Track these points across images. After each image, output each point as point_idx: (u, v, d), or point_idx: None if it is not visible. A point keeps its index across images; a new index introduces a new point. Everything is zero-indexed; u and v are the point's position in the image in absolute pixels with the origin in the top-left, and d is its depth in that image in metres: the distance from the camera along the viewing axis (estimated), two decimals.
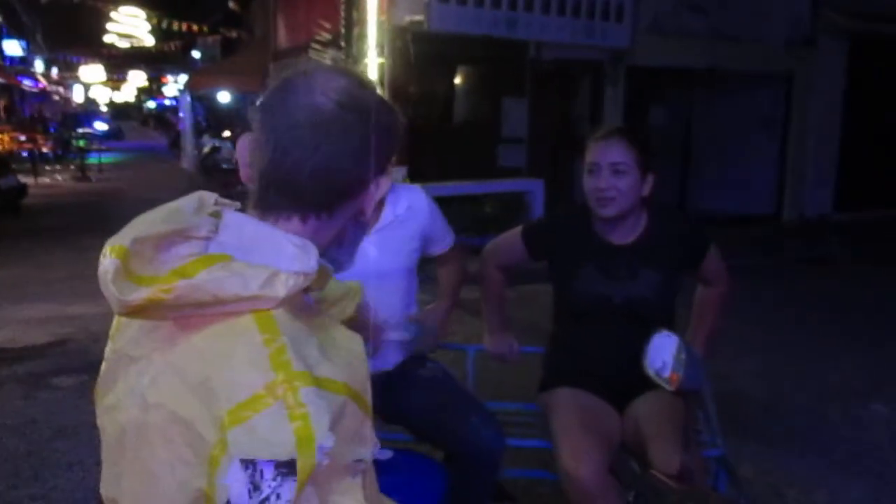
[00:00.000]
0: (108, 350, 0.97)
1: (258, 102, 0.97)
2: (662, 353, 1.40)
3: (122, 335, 0.95)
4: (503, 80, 8.91)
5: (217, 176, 14.07)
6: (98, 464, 3.10)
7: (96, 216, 11.19)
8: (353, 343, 0.91)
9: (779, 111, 10.87)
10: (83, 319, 5.74)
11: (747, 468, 3.45)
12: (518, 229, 2.38)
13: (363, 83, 0.97)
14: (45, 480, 3.32)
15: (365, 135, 0.94)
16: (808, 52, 10.49)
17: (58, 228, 10.01)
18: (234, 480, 0.75)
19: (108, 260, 0.82)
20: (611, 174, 2.09)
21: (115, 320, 0.99)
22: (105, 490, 0.94)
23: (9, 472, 3.39)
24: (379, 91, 1.01)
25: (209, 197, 0.93)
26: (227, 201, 0.94)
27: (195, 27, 17.00)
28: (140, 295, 0.80)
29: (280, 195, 0.93)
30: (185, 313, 0.84)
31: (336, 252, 0.99)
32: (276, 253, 0.87)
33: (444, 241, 2.40)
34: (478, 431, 2.04)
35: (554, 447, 2.03)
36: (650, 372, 1.42)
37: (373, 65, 6.95)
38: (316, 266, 0.88)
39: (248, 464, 0.75)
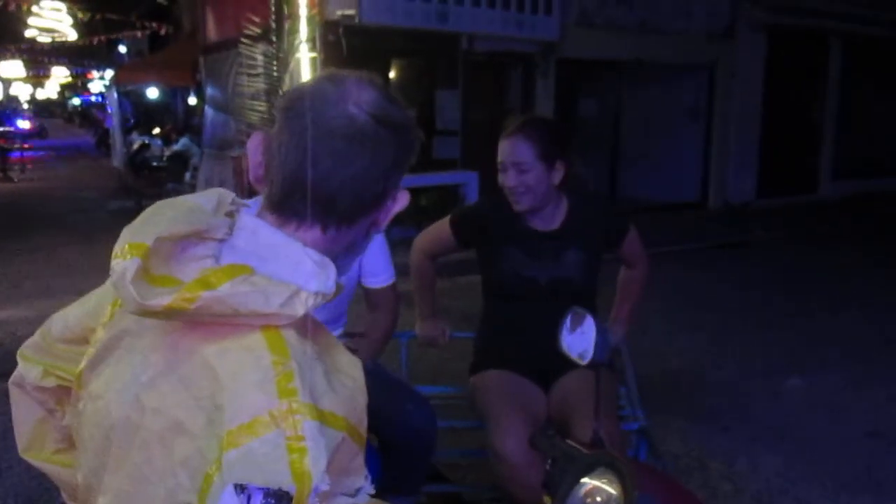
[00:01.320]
0: (97, 337, 0.96)
1: (280, 105, 0.94)
2: (573, 330, 1.48)
3: (116, 324, 0.93)
4: (436, 73, 8.96)
5: (147, 173, 13.74)
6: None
7: (19, 219, 10.80)
8: (355, 370, 0.89)
9: (703, 101, 11.23)
10: (9, 324, 5.58)
11: (674, 443, 3.60)
12: (446, 218, 2.44)
13: (390, 97, 0.96)
14: None
15: (395, 150, 0.93)
16: (728, 44, 10.88)
17: None
18: None
19: (129, 258, 0.79)
20: (517, 172, 2.19)
21: (109, 308, 0.97)
22: (82, 478, 0.92)
23: None
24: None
25: (227, 196, 0.91)
26: (241, 202, 0.92)
27: (121, 19, 16.51)
28: (161, 301, 0.78)
29: (305, 203, 0.90)
30: (199, 320, 0.82)
31: (342, 259, 0.96)
32: (294, 267, 0.85)
33: (382, 275, 2.27)
34: (410, 416, 2.10)
35: (483, 426, 2.12)
36: (563, 349, 1.51)
37: (305, 59, 6.90)
38: (334, 287, 0.87)
39: (241, 489, 0.74)
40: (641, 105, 11.11)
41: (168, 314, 0.81)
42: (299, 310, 0.83)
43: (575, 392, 2.11)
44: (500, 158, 2.23)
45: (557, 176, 2.22)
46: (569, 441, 1.26)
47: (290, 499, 0.75)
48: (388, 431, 2.08)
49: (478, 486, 2.65)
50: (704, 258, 8.23)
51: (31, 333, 1.12)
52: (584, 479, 1.21)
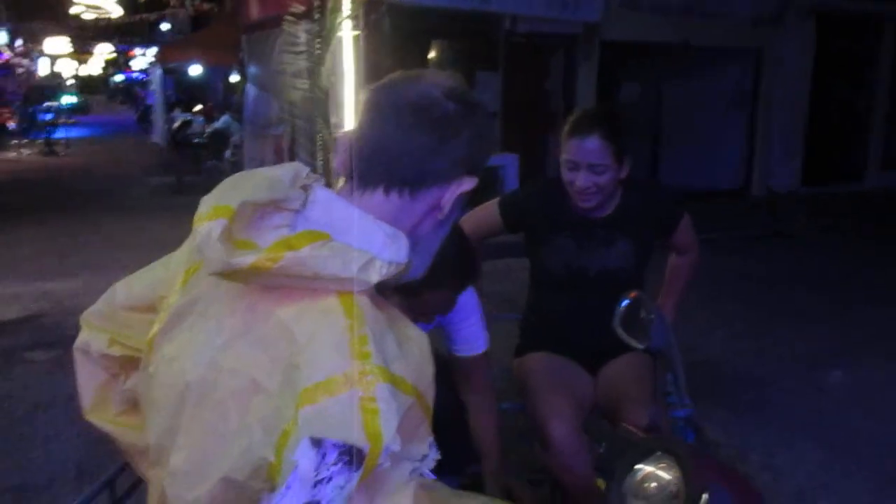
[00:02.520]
0: (171, 302, 0.99)
1: (371, 89, 1.00)
2: (630, 314, 1.46)
3: (190, 290, 0.97)
4: (477, 54, 8.90)
5: (188, 150, 13.90)
6: (78, 436, 3.10)
7: (64, 192, 11.03)
8: (422, 341, 0.92)
9: (748, 87, 10.99)
10: (55, 295, 5.70)
11: (714, 434, 3.56)
12: (494, 202, 2.39)
13: (468, 89, 1.01)
14: (24, 453, 3.33)
15: (460, 126, 0.96)
16: (775, 28, 10.61)
17: (26, 204, 9.86)
18: (303, 457, 0.77)
19: (215, 220, 0.83)
20: (591, 173, 2.08)
21: (182, 275, 1.00)
22: (153, 438, 0.95)
23: None
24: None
25: (303, 170, 0.95)
26: (316, 176, 0.96)
27: None
28: (246, 260, 0.81)
29: (368, 164, 0.95)
30: (277, 282, 0.85)
31: (411, 253, 0.98)
32: (367, 238, 0.88)
33: (473, 343, 2.00)
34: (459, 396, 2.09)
35: (528, 408, 2.11)
36: (620, 332, 1.49)
37: (347, 38, 6.89)
38: (406, 258, 0.90)
39: (316, 444, 0.77)
40: (684, 90, 10.92)
41: (250, 274, 0.84)
42: (374, 277, 0.86)
43: (624, 377, 2.08)
44: (570, 157, 2.10)
45: (625, 171, 2.14)
46: (624, 425, 1.25)
47: (363, 457, 0.77)
48: (436, 410, 2.07)
49: (519, 467, 2.64)
50: (745, 247, 8.09)
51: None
52: (640, 465, 1.20)
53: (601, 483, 1.22)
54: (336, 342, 0.81)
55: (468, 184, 1.00)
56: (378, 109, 0.96)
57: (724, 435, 3.57)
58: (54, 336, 4.73)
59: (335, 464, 0.77)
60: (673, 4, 9.66)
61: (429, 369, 0.90)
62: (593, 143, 2.06)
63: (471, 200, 2.58)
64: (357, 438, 0.77)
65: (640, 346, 1.42)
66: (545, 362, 2.21)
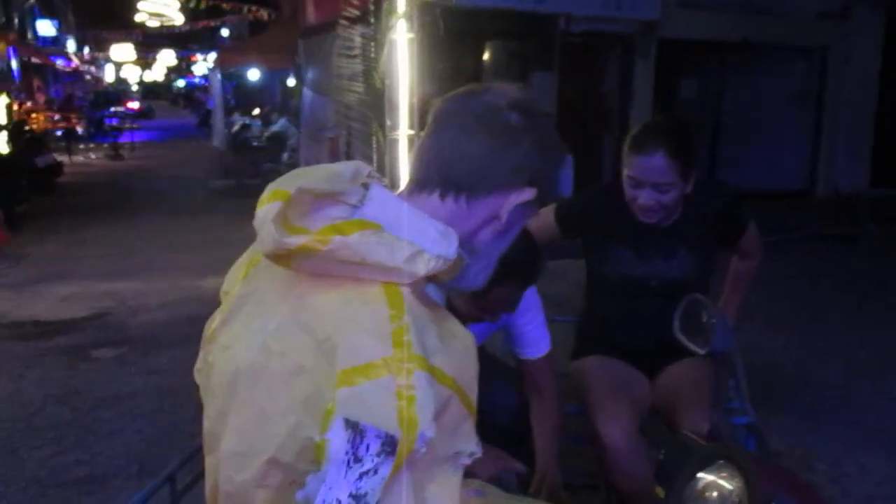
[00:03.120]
0: (231, 294, 1.04)
1: (440, 100, 1.03)
2: (690, 318, 1.42)
3: (249, 283, 1.01)
4: (532, 55, 8.85)
5: (247, 153, 14.20)
6: (138, 431, 3.19)
7: (130, 194, 11.39)
8: (468, 339, 0.93)
9: (812, 85, 10.66)
10: (121, 294, 5.87)
11: (777, 440, 3.45)
12: (550, 208, 2.33)
13: (535, 102, 1.03)
14: (89, 447, 3.44)
15: (519, 135, 0.98)
16: (843, 25, 10.27)
17: (93, 206, 10.20)
18: (336, 437, 0.79)
19: (271, 203, 0.87)
20: (656, 192, 2.02)
21: (244, 269, 1.05)
22: (208, 425, 0.98)
23: (54, 439, 3.52)
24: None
25: (364, 168, 0.98)
26: (377, 175, 0.99)
27: (224, 5, 17.10)
28: (297, 241, 0.85)
29: (427, 168, 0.98)
30: (326, 268, 0.88)
31: (469, 259, 0.99)
32: (418, 234, 0.91)
33: (536, 346, 2.02)
34: (511, 397, 2.08)
35: (585, 411, 2.08)
36: (681, 336, 1.45)
37: (402, 40, 6.94)
38: (455, 253, 0.92)
39: (351, 425, 0.79)
40: (746, 88, 10.65)
41: (300, 257, 0.87)
42: (421, 269, 0.87)
43: (684, 381, 2.03)
44: (632, 174, 2.04)
45: (690, 186, 2.06)
46: (684, 432, 1.21)
47: (396, 442, 0.79)
48: (488, 411, 2.06)
49: (573, 471, 2.61)
50: (808, 250, 7.84)
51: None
52: (701, 474, 1.17)
53: (659, 491, 1.18)
54: (377, 329, 0.83)
55: (528, 194, 1.00)
56: (441, 118, 0.99)
57: (786, 442, 3.46)
58: (119, 334, 4.87)
59: (379, 454, 0.78)
60: (732, 1, 9.44)
61: (472, 367, 0.90)
62: (658, 162, 1.97)
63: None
64: (390, 425, 0.79)
65: (701, 352, 1.38)
66: (601, 365, 2.17)
